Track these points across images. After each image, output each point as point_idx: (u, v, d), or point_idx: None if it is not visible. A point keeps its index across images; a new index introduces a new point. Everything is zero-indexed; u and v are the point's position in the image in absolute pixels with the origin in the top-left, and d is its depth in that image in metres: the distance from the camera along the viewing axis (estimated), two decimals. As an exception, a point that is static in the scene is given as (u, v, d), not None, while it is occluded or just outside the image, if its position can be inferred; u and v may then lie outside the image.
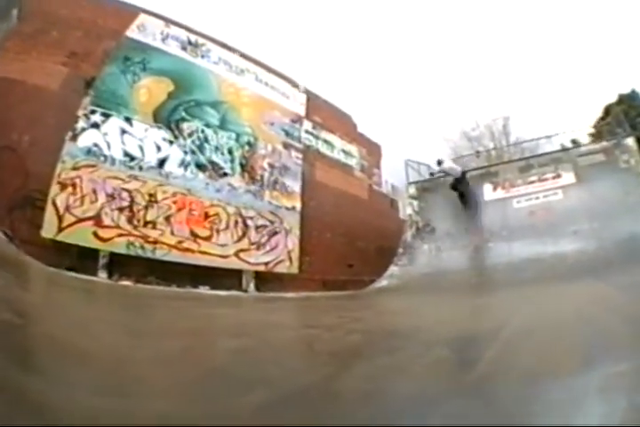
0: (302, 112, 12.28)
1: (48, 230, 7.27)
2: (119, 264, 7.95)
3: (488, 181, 14.96)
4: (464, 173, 10.20)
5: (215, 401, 1.96)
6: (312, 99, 12.84)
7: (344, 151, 13.25)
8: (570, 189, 12.88)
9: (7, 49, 7.52)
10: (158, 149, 9.04)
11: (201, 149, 9.70)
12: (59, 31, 8.44)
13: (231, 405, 1.90)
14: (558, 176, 13.57)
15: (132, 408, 1.75)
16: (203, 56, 10.50)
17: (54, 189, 7.56)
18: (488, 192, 14.88)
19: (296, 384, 2.27)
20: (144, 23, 9.70)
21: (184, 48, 10.23)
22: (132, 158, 8.61)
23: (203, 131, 9.82)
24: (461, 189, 10.52)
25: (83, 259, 7.52)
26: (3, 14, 6.21)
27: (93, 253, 7.75)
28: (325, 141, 12.68)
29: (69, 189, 7.71)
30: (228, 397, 2.01)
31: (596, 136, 17.30)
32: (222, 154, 10.03)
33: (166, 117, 9.34)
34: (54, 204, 7.48)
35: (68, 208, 7.58)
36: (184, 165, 9.29)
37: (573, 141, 17.04)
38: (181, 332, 3.80)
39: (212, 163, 9.79)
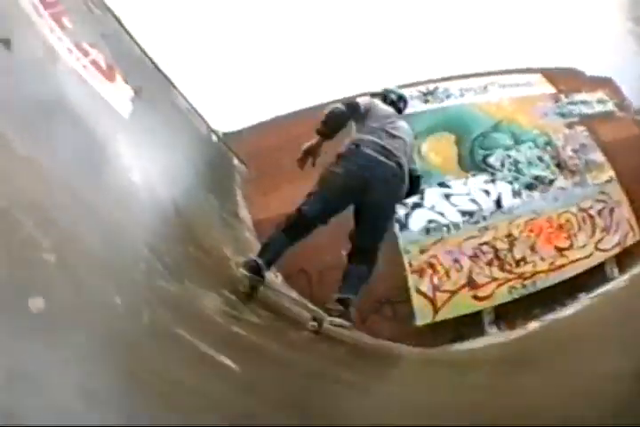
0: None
1: (423, 317, 7.55)
2: (504, 313, 7.79)
3: None
4: None
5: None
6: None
7: None
8: None
9: (253, 192, 7.98)
10: (487, 193, 9.01)
11: (519, 172, 9.42)
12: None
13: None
14: None
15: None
16: (447, 96, 10.41)
17: (412, 278, 7.87)
18: None
19: None
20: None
21: (426, 101, 10.24)
22: (471, 214, 8.68)
23: (509, 156, 9.60)
24: None
25: (464, 325, 7.56)
26: (232, 171, 6.39)
27: (474, 315, 7.79)
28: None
29: (428, 271, 7.98)
30: None
31: None
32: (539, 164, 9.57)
33: (471, 163, 9.34)
34: (419, 291, 7.80)
35: (436, 288, 7.84)
36: (516, 193, 9.05)
37: None
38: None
39: (536, 177, 9.34)
